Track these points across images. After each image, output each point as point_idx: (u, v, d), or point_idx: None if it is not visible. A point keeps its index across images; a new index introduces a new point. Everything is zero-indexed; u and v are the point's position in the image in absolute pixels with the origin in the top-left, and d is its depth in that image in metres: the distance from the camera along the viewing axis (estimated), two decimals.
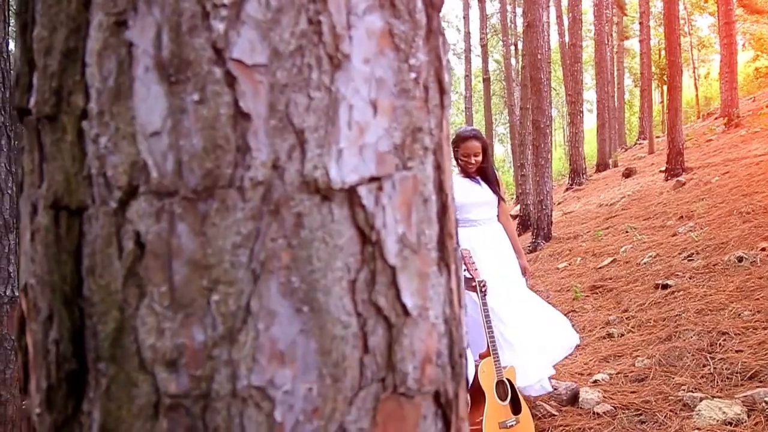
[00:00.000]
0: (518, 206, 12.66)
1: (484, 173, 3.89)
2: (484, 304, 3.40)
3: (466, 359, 0.58)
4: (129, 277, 0.46)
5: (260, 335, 0.45)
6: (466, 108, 21.72)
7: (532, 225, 10.08)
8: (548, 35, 21.09)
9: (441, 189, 0.54)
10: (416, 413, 0.49)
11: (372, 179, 0.48)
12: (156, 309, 0.45)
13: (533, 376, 3.58)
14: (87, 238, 0.48)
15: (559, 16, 21.08)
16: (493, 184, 3.89)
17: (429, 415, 0.50)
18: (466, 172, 3.87)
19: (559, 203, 14.15)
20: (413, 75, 0.52)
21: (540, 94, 9.59)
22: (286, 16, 0.47)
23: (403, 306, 0.48)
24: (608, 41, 22.69)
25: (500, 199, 3.94)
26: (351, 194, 0.48)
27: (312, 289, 0.46)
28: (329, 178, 0.46)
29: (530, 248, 9.19)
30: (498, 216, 3.97)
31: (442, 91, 0.55)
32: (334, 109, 0.47)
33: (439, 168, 0.54)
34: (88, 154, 0.48)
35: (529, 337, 3.65)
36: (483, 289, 3.43)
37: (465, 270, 3.51)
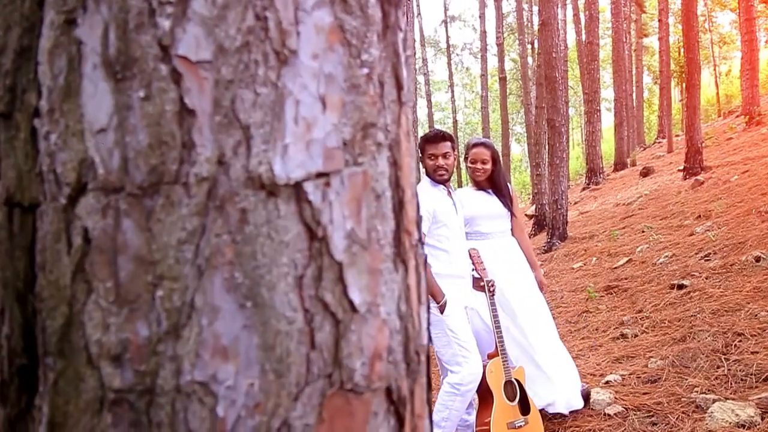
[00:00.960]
0: (534, 206, 12.57)
1: (496, 185, 3.79)
2: (492, 304, 3.38)
3: (427, 356, 0.58)
4: (77, 272, 0.47)
5: (204, 331, 0.45)
6: (482, 107, 21.62)
7: (547, 225, 10.00)
8: (565, 33, 20.91)
9: (397, 185, 0.54)
10: (365, 410, 0.49)
11: (319, 175, 0.48)
12: (102, 304, 0.46)
13: (576, 402, 3.57)
14: (39, 234, 0.48)
15: (576, 14, 20.89)
16: (505, 197, 3.79)
17: (380, 412, 0.50)
18: (477, 184, 3.80)
19: (575, 203, 14.03)
20: (365, 70, 0.51)
21: (555, 92, 9.52)
22: (232, 12, 0.47)
23: (351, 302, 0.48)
24: (626, 39, 22.44)
25: (512, 213, 3.83)
26: (297, 190, 0.47)
27: (256, 284, 0.46)
28: (273, 173, 0.46)
29: (545, 248, 9.12)
30: (512, 230, 3.88)
31: (400, 86, 0.55)
32: (280, 105, 0.47)
33: (395, 164, 0.54)
34: (40, 152, 0.49)
35: (561, 364, 3.62)
36: (491, 289, 3.41)
37: (473, 270, 3.50)
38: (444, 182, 3.40)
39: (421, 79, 24.37)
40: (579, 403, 3.57)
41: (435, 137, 3.41)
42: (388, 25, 0.54)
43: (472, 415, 3.39)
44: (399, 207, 0.54)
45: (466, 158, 3.83)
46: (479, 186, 3.81)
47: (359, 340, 0.48)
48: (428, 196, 3.33)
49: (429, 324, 0.59)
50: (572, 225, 10.04)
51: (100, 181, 0.46)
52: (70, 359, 0.46)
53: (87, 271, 0.46)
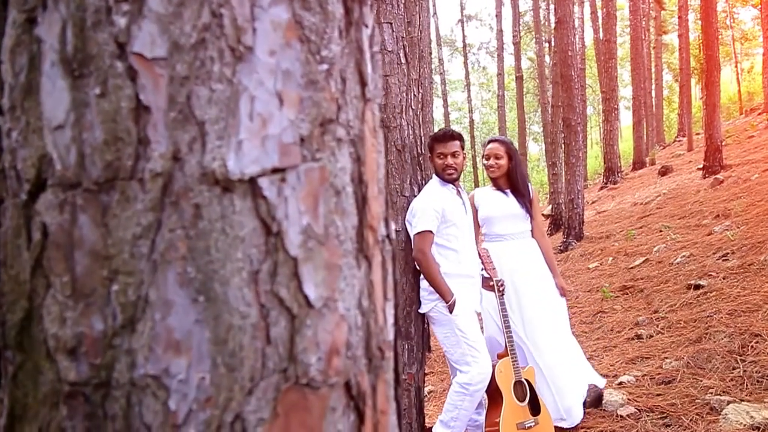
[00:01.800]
0: (550, 206, 12.47)
1: (514, 185, 3.66)
2: (502, 304, 3.36)
3: (395, 353, 0.58)
4: (37, 267, 0.47)
5: (157, 325, 0.45)
6: (498, 107, 21.50)
7: (563, 224, 9.92)
8: (582, 31, 20.73)
9: (361, 181, 0.54)
10: (322, 404, 0.49)
11: (275, 170, 0.48)
12: (59, 298, 0.46)
13: (577, 415, 3.51)
14: (1, 230, 0.49)
15: (594, 12, 20.69)
16: (524, 197, 3.65)
17: (339, 407, 0.50)
18: (495, 183, 3.69)
19: (593, 202, 13.89)
20: (325, 66, 0.51)
21: (571, 91, 9.44)
22: (188, 10, 0.47)
23: (306, 297, 0.48)
24: (645, 36, 22.18)
25: (530, 214, 3.68)
26: (253, 186, 0.48)
27: (209, 279, 0.46)
28: (227, 169, 0.47)
29: (561, 248, 9.04)
30: (532, 232, 3.75)
31: (364, 83, 0.55)
32: (234, 101, 0.48)
33: (358, 160, 0.54)
34: (3, 149, 0.49)
35: (572, 375, 3.52)
36: (501, 289, 3.38)
37: (482, 269, 3.48)
38: (453, 181, 3.38)
39: (437, 78, 24.33)
40: (578, 416, 3.50)
41: (444, 136, 3.39)
42: (352, 22, 0.54)
43: (482, 415, 3.37)
44: (362, 203, 0.54)
45: (483, 156, 3.78)
46: (497, 186, 3.71)
47: (315, 335, 0.48)
48: (437, 195, 3.32)
49: (397, 320, 0.59)
50: (589, 225, 9.95)
51: (57, 177, 0.47)
52: (30, 353, 0.47)
53: (45, 266, 0.47)
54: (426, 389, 5.10)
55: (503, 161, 3.63)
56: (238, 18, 0.48)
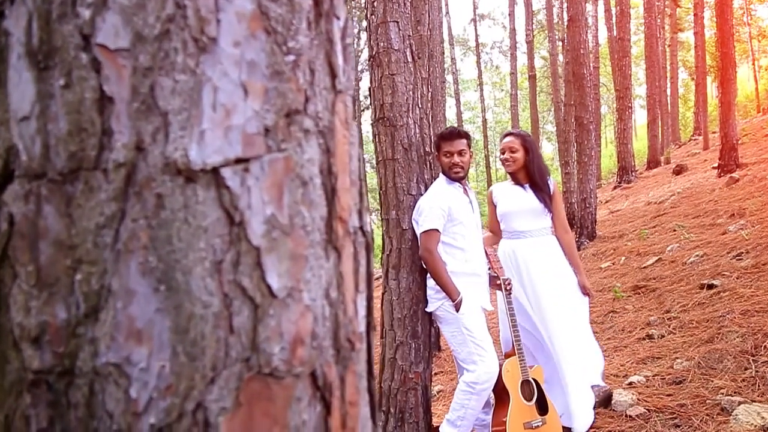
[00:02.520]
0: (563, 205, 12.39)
1: (532, 179, 3.54)
2: (509, 303, 3.34)
3: (368, 345, 0.58)
4: (4, 257, 0.48)
5: (119, 313, 0.46)
6: (511, 106, 21.40)
7: (575, 224, 9.85)
8: (596, 29, 20.56)
9: (330, 172, 0.54)
10: (286, 394, 0.49)
11: (238, 161, 0.48)
12: (24, 288, 0.47)
13: (587, 421, 3.44)
14: None
15: (608, 10, 20.52)
16: (541, 191, 3.51)
17: (304, 397, 0.50)
18: (513, 177, 3.59)
19: (606, 201, 13.78)
20: (291, 57, 0.52)
21: (583, 89, 9.37)
22: (152, 1, 0.48)
23: (269, 287, 0.48)
24: (660, 34, 21.95)
25: (549, 209, 3.53)
26: (216, 176, 0.48)
27: (171, 268, 0.46)
28: (188, 159, 0.47)
29: None
30: (553, 228, 3.61)
31: (334, 74, 0.55)
32: (197, 92, 0.48)
33: (328, 151, 0.54)
34: None
35: (583, 378, 3.41)
36: (508, 288, 3.37)
37: (490, 268, 3.46)
38: (460, 180, 3.36)
39: (449, 78, 24.26)
40: (588, 421, 3.44)
41: (450, 134, 3.38)
42: (321, 13, 0.54)
43: (489, 415, 3.36)
44: (331, 194, 0.54)
45: (500, 151, 3.72)
46: (516, 180, 3.59)
47: (278, 325, 0.49)
48: (443, 193, 3.31)
49: (370, 312, 0.59)
50: (602, 224, 9.87)
51: (23, 168, 0.48)
52: None
53: (11, 256, 0.47)
54: (436, 389, 5.09)
55: (519, 155, 3.53)
56: (201, 9, 0.48)
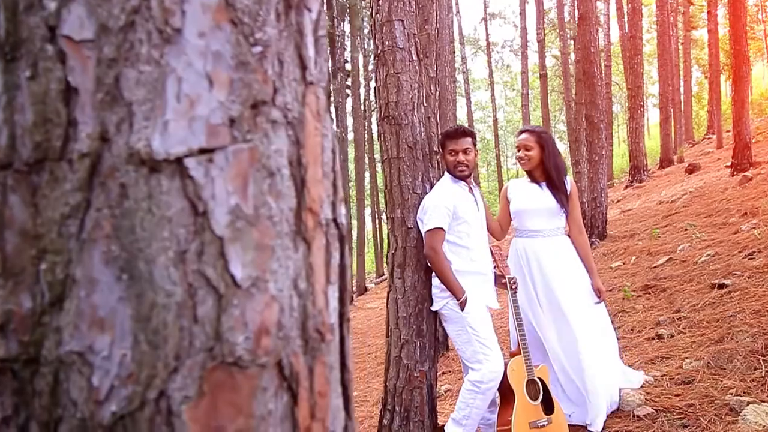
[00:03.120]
0: None
1: (549, 178, 3.44)
2: (514, 301, 3.32)
3: (341, 336, 0.58)
4: None
5: (82, 302, 0.46)
6: (522, 105, 21.30)
7: (586, 223, 9.79)
8: (608, 28, 20.42)
9: (299, 163, 0.54)
10: (251, 384, 0.49)
11: (202, 151, 0.48)
12: None
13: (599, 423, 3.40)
14: None
15: (620, 8, 20.38)
16: (560, 192, 3.42)
17: (270, 387, 0.50)
18: (529, 175, 3.50)
19: (617, 201, 13.68)
20: (258, 49, 0.52)
21: (593, 88, 9.31)
22: None
23: (232, 277, 0.48)
24: (673, 32, 21.76)
25: (565, 209, 3.44)
26: (180, 166, 0.48)
27: (133, 257, 0.47)
28: (152, 149, 0.47)
29: None
30: (569, 229, 3.54)
31: (304, 66, 0.55)
32: (161, 83, 0.48)
33: (297, 143, 0.54)
34: None
35: (601, 382, 3.35)
36: (513, 287, 3.35)
37: (494, 267, 3.45)
38: (465, 178, 3.35)
39: (460, 77, 24.20)
40: (600, 423, 3.40)
41: (455, 132, 3.37)
42: (291, 5, 0.54)
43: (495, 414, 3.34)
44: (301, 185, 0.54)
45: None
46: (533, 178, 3.49)
47: (242, 315, 0.49)
48: (448, 192, 3.30)
49: (343, 304, 0.59)
50: (613, 223, 9.80)
51: None
52: None
53: None
54: (443, 388, 5.08)
55: (534, 152, 3.43)
56: (166, 0, 0.48)
